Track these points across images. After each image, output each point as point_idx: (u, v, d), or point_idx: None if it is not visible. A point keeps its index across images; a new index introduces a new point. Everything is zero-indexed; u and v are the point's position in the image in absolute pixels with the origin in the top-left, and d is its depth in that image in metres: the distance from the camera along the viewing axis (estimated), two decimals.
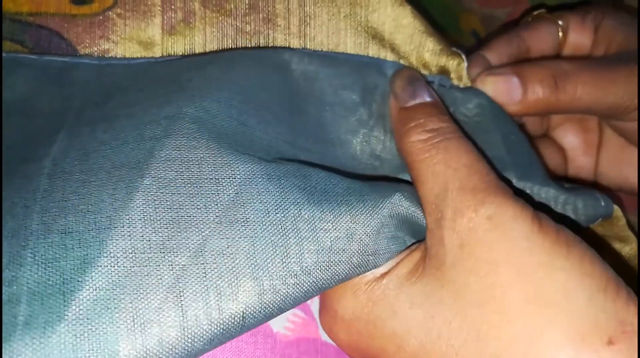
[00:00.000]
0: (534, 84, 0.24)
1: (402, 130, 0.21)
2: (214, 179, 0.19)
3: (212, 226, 0.18)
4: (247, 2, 0.24)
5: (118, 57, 0.23)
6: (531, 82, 0.24)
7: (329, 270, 0.18)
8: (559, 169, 0.30)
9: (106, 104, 0.21)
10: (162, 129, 0.19)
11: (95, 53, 0.23)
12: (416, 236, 0.20)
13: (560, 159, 0.30)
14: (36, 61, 0.23)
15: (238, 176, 0.19)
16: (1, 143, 0.20)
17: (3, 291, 0.16)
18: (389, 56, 0.24)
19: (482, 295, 0.17)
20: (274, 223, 0.18)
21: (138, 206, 0.18)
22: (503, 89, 0.24)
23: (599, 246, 0.25)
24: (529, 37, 0.28)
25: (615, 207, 0.23)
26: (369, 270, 0.19)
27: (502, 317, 0.17)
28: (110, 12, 0.23)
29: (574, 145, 0.30)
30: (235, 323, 0.17)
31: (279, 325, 0.22)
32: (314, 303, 0.23)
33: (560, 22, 0.29)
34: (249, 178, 0.19)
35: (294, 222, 0.18)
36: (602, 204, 0.23)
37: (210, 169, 0.19)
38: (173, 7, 0.23)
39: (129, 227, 0.17)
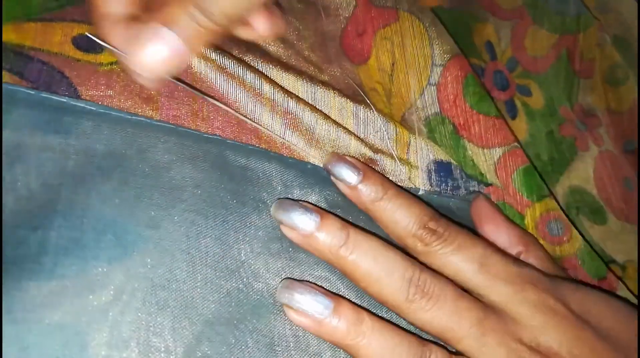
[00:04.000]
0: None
1: None
2: None
3: None
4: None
5: (116, 108, 0.25)
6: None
7: None
8: None
9: (93, 192, 0.24)
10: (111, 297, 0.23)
11: (96, 97, 0.26)
12: None
13: None
14: (32, 96, 0.24)
15: None
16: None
17: None
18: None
19: None
20: None
21: None
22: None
23: None
24: None
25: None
26: None
27: None
28: (117, 67, 0.26)
29: None
30: None
31: None
32: None
33: None
34: None
35: None
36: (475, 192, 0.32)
37: None
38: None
39: None
